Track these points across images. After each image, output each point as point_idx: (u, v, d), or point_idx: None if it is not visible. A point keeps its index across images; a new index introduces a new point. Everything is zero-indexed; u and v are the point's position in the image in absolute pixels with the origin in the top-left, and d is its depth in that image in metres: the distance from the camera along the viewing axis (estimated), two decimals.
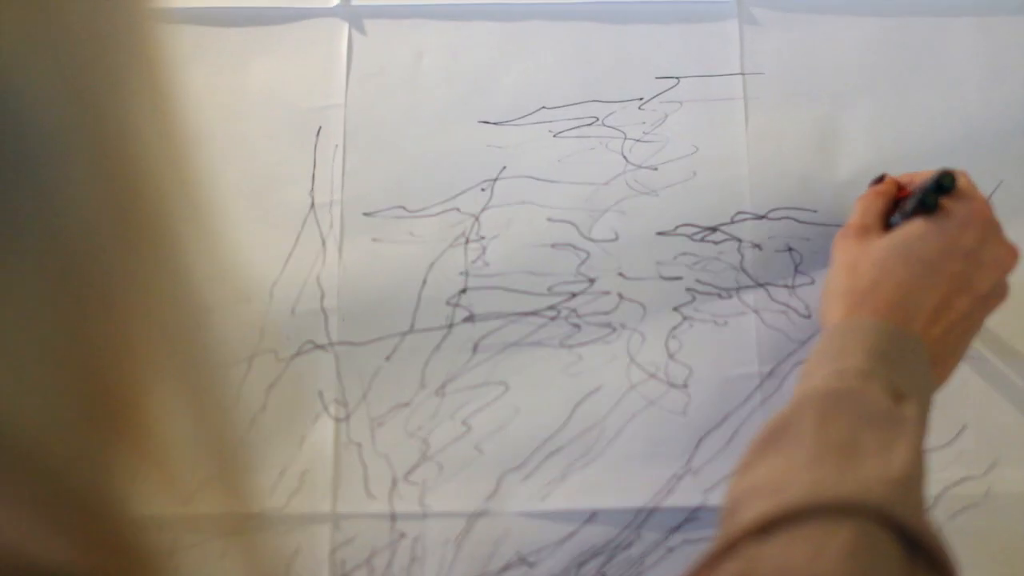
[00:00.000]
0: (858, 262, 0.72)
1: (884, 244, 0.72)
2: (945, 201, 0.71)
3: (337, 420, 0.79)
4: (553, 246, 0.83)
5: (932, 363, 0.68)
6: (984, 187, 0.84)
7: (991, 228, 0.72)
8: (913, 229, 0.71)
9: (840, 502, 0.56)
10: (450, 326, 0.81)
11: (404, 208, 0.84)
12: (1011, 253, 0.72)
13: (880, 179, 0.79)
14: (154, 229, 0.38)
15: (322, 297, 0.81)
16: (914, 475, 0.59)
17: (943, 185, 0.71)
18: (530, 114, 0.87)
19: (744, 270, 0.82)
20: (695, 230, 0.83)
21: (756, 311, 0.81)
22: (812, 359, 0.68)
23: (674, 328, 0.81)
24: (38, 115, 0.33)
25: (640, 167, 0.85)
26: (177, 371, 0.41)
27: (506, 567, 0.76)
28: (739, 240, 0.83)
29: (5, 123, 0.32)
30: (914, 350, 0.67)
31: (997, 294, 0.72)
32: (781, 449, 0.61)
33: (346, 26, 0.89)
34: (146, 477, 0.39)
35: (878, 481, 0.57)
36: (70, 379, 0.35)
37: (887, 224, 0.75)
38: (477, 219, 0.84)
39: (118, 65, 0.36)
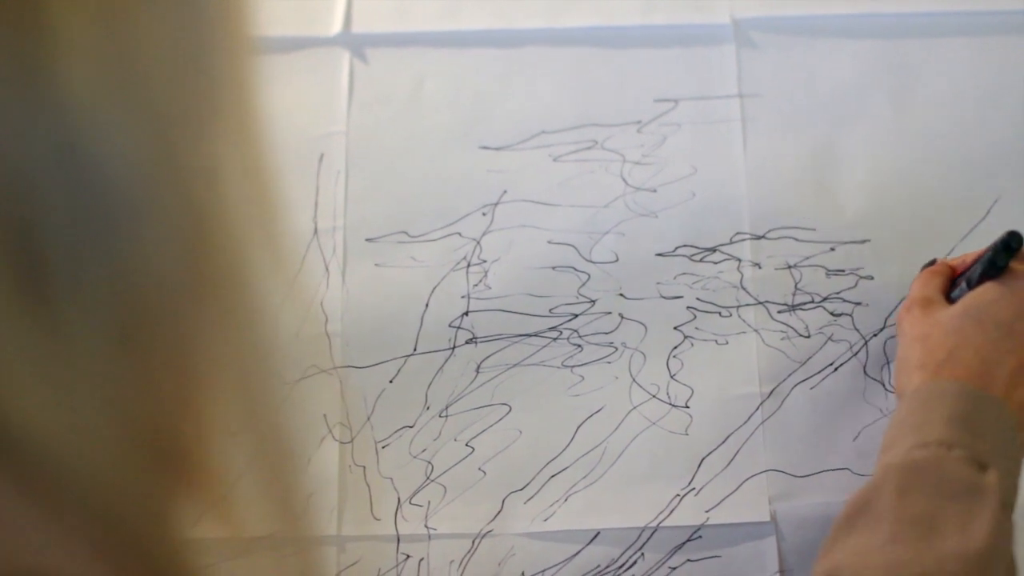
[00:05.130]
0: (930, 333, 0.70)
1: (956, 311, 0.70)
2: (1013, 263, 0.71)
3: (341, 443, 0.79)
4: (554, 268, 0.84)
5: (1017, 428, 0.66)
6: (981, 206, 0.85)
7: None
8: (984, 293, 0.70)
9: None
10: (453, 348, 0.82)
11: (406, 233, 0.85)
12: None
13: (932, 263, 0.79)
14: (230, 280, 0.38)
15: (326, 322, 0.82)
16: (996, 547, 0.58)
17: (1011, 245, 0.70)
18: (530, 139, 0.88)
19: (744, 288, 0.83)
20: (694, 251, 0.84)
21: (756, 330, 0.82)
22: (893, 428, 0.66)
23: (675, 347, 0.82)
24: (118, 165, 0.33)
25: (639, 189, 0.86)
26: (247, 420, 0.41)
27: None
28: (738, 260, 0.84)
29: (84, 172, 0.32)
30: (998, 414, 0.65)
31: None
32: (861, 528, 0.60)
33: (347, 54, 0.91)
34: (206, 517, 0.40)
35: (957, 559, 0.57)
36: (134, 425, 0.36)
37: (948, 299, 0.74)
38: (478, 243, 0.85)
39: (207, 105, 0.36)
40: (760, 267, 0.83)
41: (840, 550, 0.60)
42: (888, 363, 0.80)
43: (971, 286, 0.72)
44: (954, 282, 0.76)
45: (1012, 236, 0.70)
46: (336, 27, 0.92)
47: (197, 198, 0.36)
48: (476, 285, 0.83)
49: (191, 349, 0.37)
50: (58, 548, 0.35)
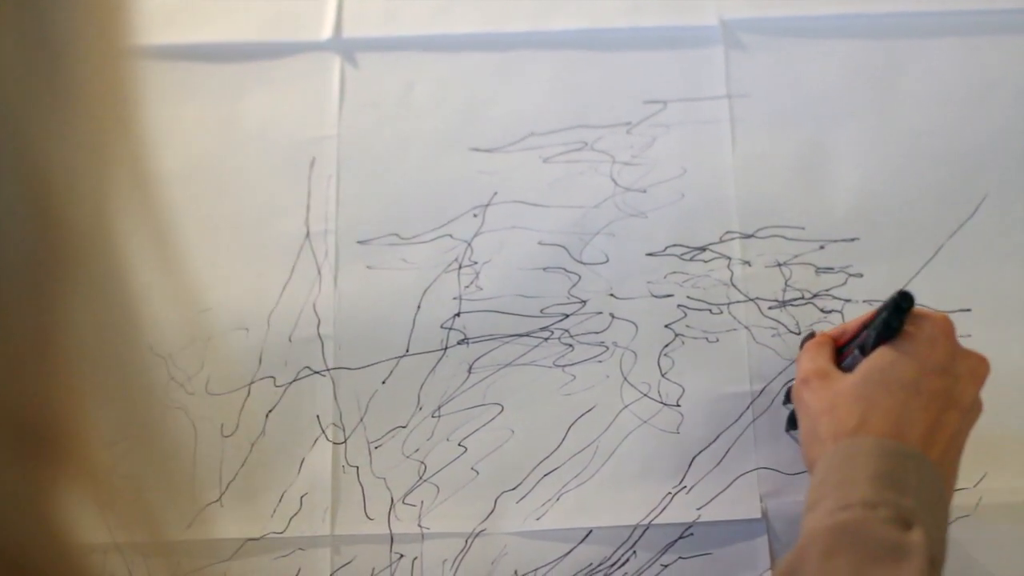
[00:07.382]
0: (835, 402, 0.69)
1: (857, 378, 0.69)
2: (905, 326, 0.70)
3: (335, 443, 0.80)
4: (545, 269, 0.85)
5: (942, 481, 0.65)
6: (969, 203, 0.85)
7: (956, 341, 0.70)
8: (882, 356, 0.69)
9: None
10: (445, 349, 0.82)
11: (398, 235, 0.86)
12: (982, 362, 0.70)
13: (811, 335, 0.77)
14: (92, 261, 0.37)
15: (318, 324, 0.83)
16: None
17: (902, 306, 0.69)
18: (520, 140, 0.89)
19: (734, 285, 0.83)
20: (684, 250, 0.85)
21: (747, 327, 0.82)
22: (816, 488, 0.65)
23: (666, 346, 0.82)
24: None
25: (629, 190, 0.87)
26: (115, 401, 0.40)
27: None
28: (728, 258, 0.84)
29: None
30: (920, 470, 0.64)
31: (976, 407, 0.69)
32: None
33: (338, 59, 0.92)
34: (83, 507, 0.39)
35: None
36: None
37: (840, 369, 0.73)
38: (470, 245, 0.85)
39: (63, 101, 0.36)
40: (750, 265, 0.84)
41: None
42: None
43: (865, 352, 0.70)
44: (840, 351, 0.74)
45: (903, 297, 0.69)
46: (327, 32, 0.92)
47: (46, 187, 0.35)
48: (467, 286, 0.84)
49: (54, 330, 0.37)
50: None
